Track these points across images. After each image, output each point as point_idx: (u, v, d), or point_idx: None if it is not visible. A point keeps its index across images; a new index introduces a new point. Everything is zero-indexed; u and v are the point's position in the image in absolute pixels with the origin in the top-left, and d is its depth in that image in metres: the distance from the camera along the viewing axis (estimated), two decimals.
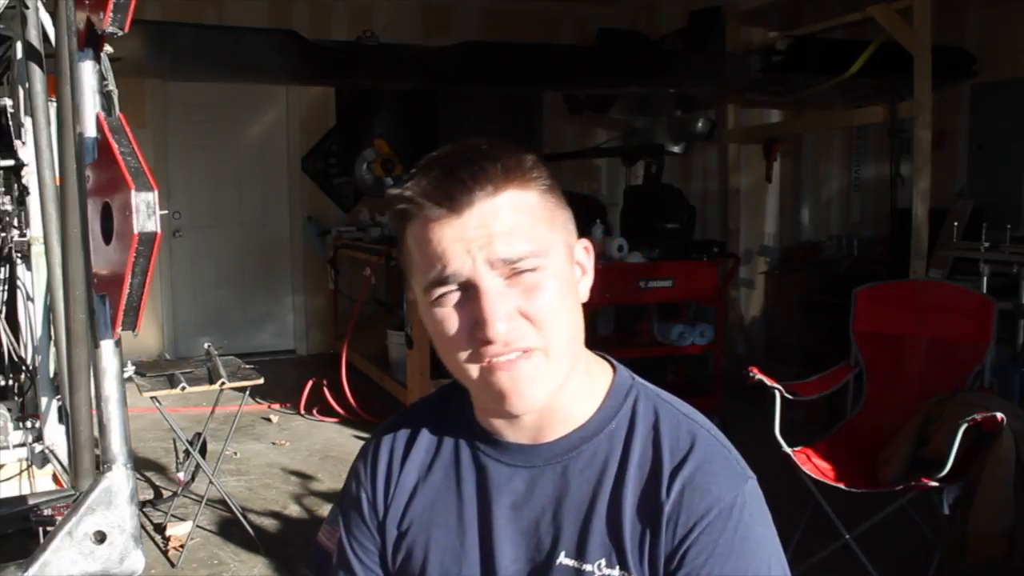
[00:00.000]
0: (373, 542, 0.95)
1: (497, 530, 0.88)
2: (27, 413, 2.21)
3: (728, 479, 0.83)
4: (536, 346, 0.80)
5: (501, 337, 0.78)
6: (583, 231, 0.90)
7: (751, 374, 2.68)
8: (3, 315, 2.28)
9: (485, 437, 0.91)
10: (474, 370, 0.81)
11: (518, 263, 0.79)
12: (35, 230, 2.12)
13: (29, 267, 2.20)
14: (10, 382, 2.35)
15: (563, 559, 0.85)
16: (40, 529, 1.35)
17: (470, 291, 0.79)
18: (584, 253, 0.88)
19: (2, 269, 2.29)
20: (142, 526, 1.50)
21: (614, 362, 0.94)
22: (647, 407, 0.89)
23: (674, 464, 0.84)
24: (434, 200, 0.79)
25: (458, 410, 0.94)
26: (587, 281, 0.88)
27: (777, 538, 0.85)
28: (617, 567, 0.83)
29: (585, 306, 0.87)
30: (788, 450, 2.60)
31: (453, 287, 0.79)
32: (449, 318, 0.80)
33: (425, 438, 0.95)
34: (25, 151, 2.04)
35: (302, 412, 4.64)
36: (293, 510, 3.37)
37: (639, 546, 0.83)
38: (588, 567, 0.84)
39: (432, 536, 0.91)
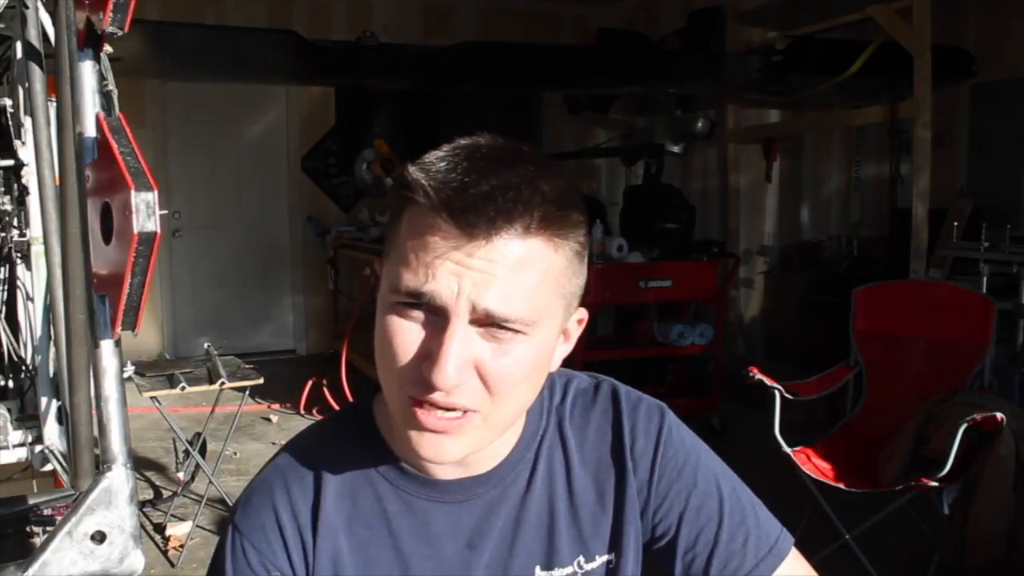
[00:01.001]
0: None
1: (455, 574, 0.79)
2: (27, 413, 2.21)
3: (653, 408, 0.85)
4: (478, 409, 0.70)
5: (448, 384, 0.67)
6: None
7: (751, 374, 2.68)
8: (3, 315, 2.28)
9: (415, 479, 0.79)
10: (403, 401, 0.70)
11: (503, 324, 0.67)
12: (35, 230, 2.12)
13: (29, 267, 2.20)
14: (10, 382, 2.35)
15: (539, 573, 0.81)
16: (40, 529, 1.35)
17: (439, 319, 0.67)
18: (576, 325, 0.78)
19: (2, 269, 2.29)
20: (142, 526, 1.50)
21: None
22: (558, 389, 0.85)
23: (615, 432, 0.83)
24: (449, 212, 0.66)
25: (366, 453, 0.80)
26: (564, 350, 0.78)
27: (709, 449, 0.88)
28: (597, 556, 0.82)
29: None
30: (788, 450, 2.60)
31: (422, 309, 0.68)
32: (402, 332, 0.69)
33: (331, 493, 0.78)
34: (25, 151, 2.04)
35: (302, 412, 4.64)
36: None
37: (606, 524, 0.82)
38: (567, 570, 0.81)
39: None
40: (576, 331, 0.78)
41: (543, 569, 0.81)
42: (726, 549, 0.81)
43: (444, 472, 0.78)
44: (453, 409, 0.69)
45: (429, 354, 0.67)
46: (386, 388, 0.73)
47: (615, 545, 0.82)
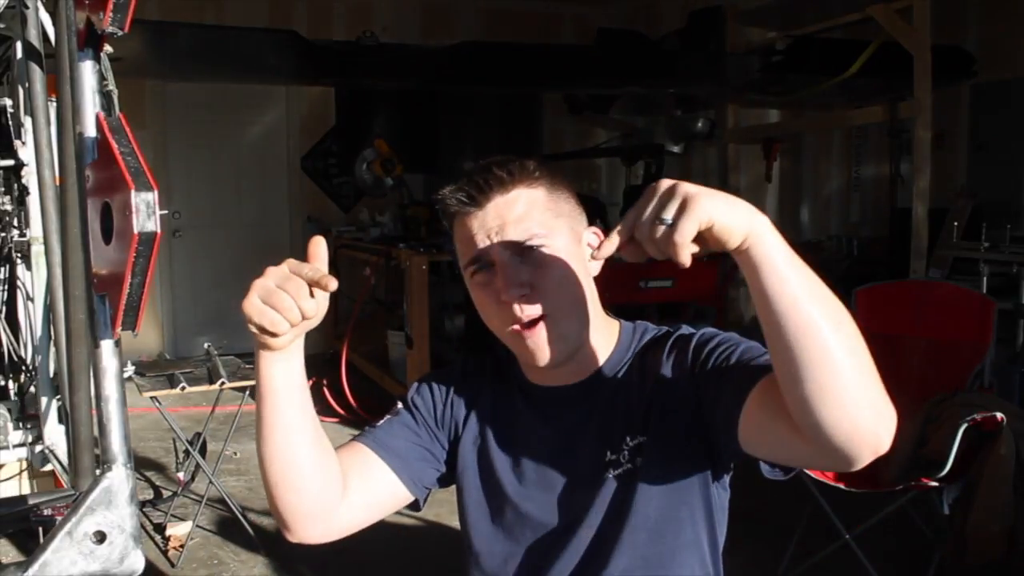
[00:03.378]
0: (431, 434, 1.14)
1: (561, 449, 1.07)
2: (27, 413, 2.21)
3: (690, 330, 1.08)
4: (548, 311, 1.00)
5: (513, 299, 0.99)
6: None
7: None
8: (3, 315, 2.29)
9: (531, 387, 1.10)
10: (505, 333, 1.03)
11: (526, 243, 0.99)
12: (35, 230, 2.12)
13: (29, 267, 2.20)
14: (10, 382, 2.35)
15: (609, 456, 1.04)
16: (40, 529, 1.35)
17: (492, 269, 1.01)
18: (594, 236, 1.08)
19: (2, 269, 2.29)
20: (142, 526, 1.50)
21: (621, 320, 1.15)
22: (646, 335, 1.11)
23: (668, 342, 1.07)
24: (463, 198, 1.01)
25: (507, 368, 1.14)
26: (596, 264, 1.06)
27: None
28: (639, 435, 1.02)
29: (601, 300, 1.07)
30: None
31: (481, 267, 1.02)
32: (481, 291, 1.03)
33: (490, 392, 1.14)
34: (25, 151, 2.04)
35: None
36: None
37: (652, 409, 1.02)
38: (621, 447, 1.03)
39: (500, 457, 1.10)
40: (597, 241, 1.07)
41: (612, 453, 1.04)
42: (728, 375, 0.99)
43: (553, 381, 1.08)
44: (533, 322, 1.00)
45: (497, 289, 1.00)
46: (499, 336, 1.05)
47: (657, 425, 1.02)
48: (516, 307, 0.99)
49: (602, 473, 1.04)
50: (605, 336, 1.10)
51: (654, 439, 1.02)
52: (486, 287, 1.02)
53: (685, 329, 1.09)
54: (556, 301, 1.00)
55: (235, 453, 3.96)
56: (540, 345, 1.00)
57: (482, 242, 1.00)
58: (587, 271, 1.06)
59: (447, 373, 1.19)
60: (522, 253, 1.00)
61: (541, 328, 1.00)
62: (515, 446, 1.11)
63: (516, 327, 1.00)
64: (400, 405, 1.18)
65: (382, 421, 1.16)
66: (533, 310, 0.99)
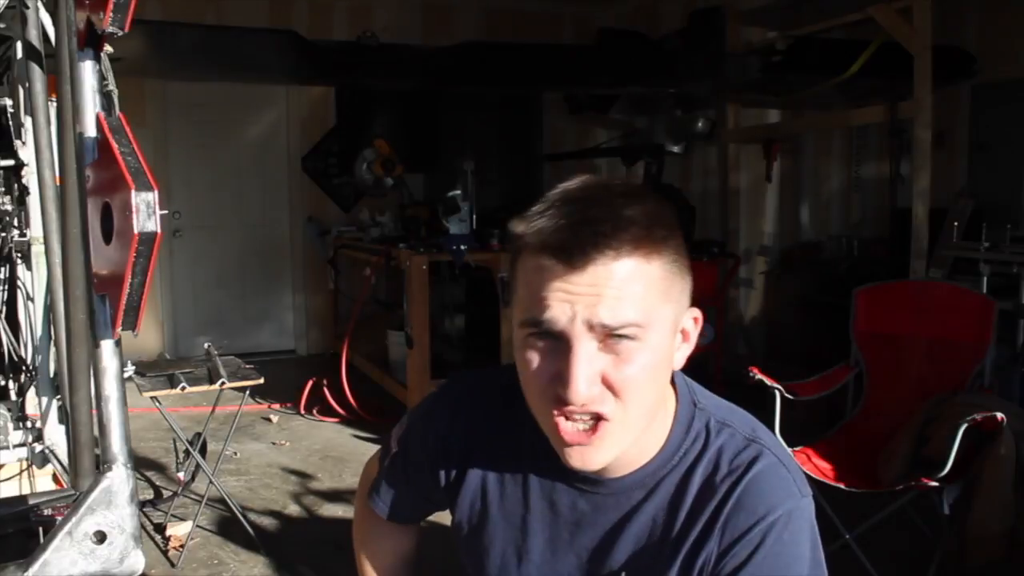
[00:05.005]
0: (423, 483, 1.03)
1: (559, 542, 0.94)
2: (27, 413, 2.21)
3: (779, 496, 0.86)
4: (610, 416, 0.80)
5: (580, 400, 0.78)
6: None
7: (751, 374, 2.69)
8: (3, 315, 2.28)
9: (556, 460, 0.87)
10: (546, 417, 0.82)
11: (617, 331, 0.78)
12: (35, 230, 2.12)
13: (29, 267, 2.20)
14: (10, 382, 2.35)
15: None
16: (40, 529, 1.35)
17: (561, 343, 0.79)
18: (692, 324, 0.88)
19: (2, 269, 2.29)
20: (142, 526, 1.50)
21: (676, 382, 0.93)
22: (711, 434, 0.91)
23: (731, 483, 0.87)
24: (550, 251, 0.78)
25: (532, 425, 0.89)
26: (686, 350, 0.88)
27: (821, 560, 0.87)
28: None
29: None
30: (788, 450, 2.59)
31: (546, 333, 0.79)
32: (535, 360, 0.81)
33: (501, 435, 0.97)
34: (25, 151, 2.04)
35: (302, 412, 4.64)
36: (293, 510, 3.37)
37: (689, 560, 0.87)
38: None
39: (499, 526, 0.97)
40: (694, 330, 0.88)
41: (628, 575, 0.90)
42: None
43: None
44: (589, 417, 0.80)
45: (560, 375, 0.78)
46: (533, 408, 0.85)
47: None
48: (576, 406, 0.79)
49: None
50: (659, 423, 0.90)
51: None
52: (541, 355, 0.80)
53: (767, 477, 0.87)
54: (625, 408, 0.80)
55: (235, 453, 3.96)
56: (583, 451, 0.82)
57: (560, 308, 0.77)
58: (670, 369, 0.87)
59: (434, 420, 1.03)
60: (606, 339, 0.78)
61: (596, 435, 0.81)
62: (518, 523, 0.96)
63: (559, 421, 0.81)
64: (392, 462, 1.09)
65: (384, 488, 1.11)
66: (595, 408, 0.80)
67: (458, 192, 4.36)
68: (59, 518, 0.98)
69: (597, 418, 0.80)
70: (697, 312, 0.87)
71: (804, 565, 0.84)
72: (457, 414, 1.00)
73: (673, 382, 0.93)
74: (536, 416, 0.85)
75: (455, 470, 0.99)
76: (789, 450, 0.93)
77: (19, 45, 1.86)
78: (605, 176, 0.87)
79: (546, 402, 0.81)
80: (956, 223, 4.05)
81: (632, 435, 0.84)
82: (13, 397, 2.30)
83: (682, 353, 0.87)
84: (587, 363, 0.77)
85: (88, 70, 0.94)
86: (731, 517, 0.85)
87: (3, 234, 2.21)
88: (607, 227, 0.76)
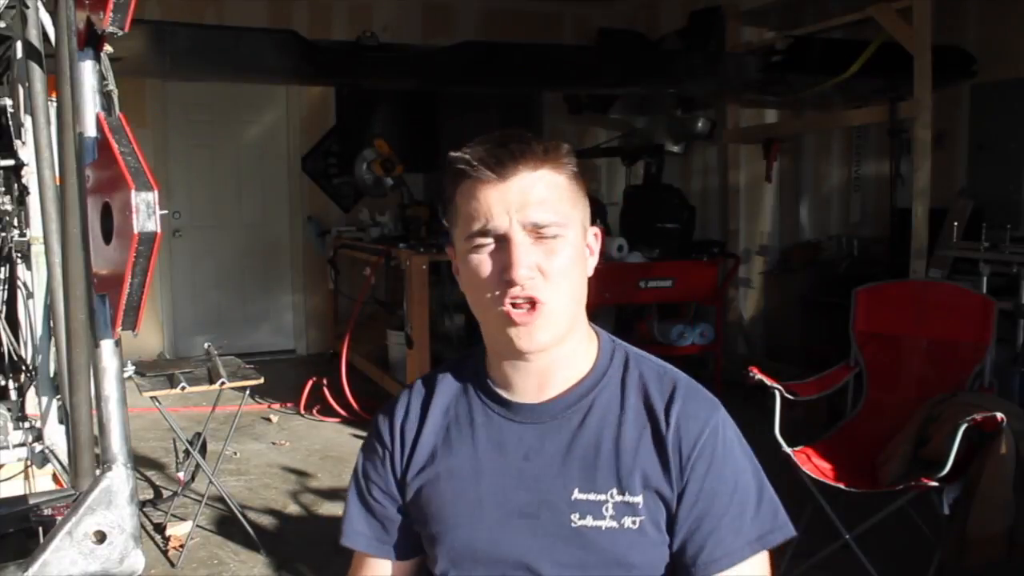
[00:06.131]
0: (387, 490, 1.10)
1: (511, 478, 1.03)
2: (27, 413, 2.21)
3: (708, 407, 1.04)
4: (545, 299, 0.98)
5: (522, 280, 0.96)
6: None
7: (751, 374, 2.68)
8: (3, 315, 2.28)
9: (497, 399, 1.07)
10: (496, 310, 0.99)
11: (544, 228, 0.98)
12: (35, 230, 2.12)
13: (29, 267, 2.20)
14: (10, 382, 2.35)
15: (577, 495, 1.00)
16: (40, 529, 1.35)
17: (503, 243, 0.98)
18: (594, 238, 1.07)
19: (2, 269, 2.29)
20: (142, 526, 1.50)
21: (596, 328, 1.12)
22: (630, 362, 1.08)
23: (665, 403, 1.03)
24: (487, 165, 0.98)
25: (472, 376, 1.10)
26: (593, 261, 1.07)
27: (750, 451, 1.06)
28: (627, 493, 0.99)
29: (586, 306, 1.04)
30: (788, 450, 2.60)
31: (490, 239, 0.98)
32: (484, 263, 0.99)
33: (441, 401, 1.10)
34: (25, 151, 2.04)
35: (302, 412, 4.64)
36: (293, 510, 3.37)
37: (644, 476, 1.00)
38: (602, 496, 1.00)
39: (451, 487, 1.05)
40: (596, 244, 1.07)
41: (581, 492, 1.00)
42: (715, 539, 1.00)
43: (523, 395, 1.05)
44: (530, 302, 0.97)
45: (505, 265, 0.97)
46: (483, 312, 1.02)
47: (647, 494, 1.00)
48: (518, 287, 0.96)
49: (574, 513, 1.00)
50: (586, 346, 1.07)
51: (646, 507, 1.00)
52: (486, 260, 0.99)
53: (691, 398, 1.04)
54: (557, 290, 0.98)
55: (235, 453, 3.96)
56: (529, 330, 0.98)
57: (499, 216, 0.97)
58: (585, 271, 1.04)
59: (390, 414, 1.13)
60: (537, 236, 0.98)
61: (536, 313, 0.98)
62: (469, 471, 1.05)
63: (507, 307, 0.98)
64: (355, 479, 1.14)
65: (350, 510, 1.13)
66: (533, 293, 0.97)
67: None
68: (59, 518, 0.98)
69: (533, 303, 0.97)
70: (597, 229, 1.08)
71: (743, 455, 1.04)
72: (397, 408, 1.12)
73: (595, 329, 1.11)
74: (485, 314, 1.01)
75: (407, 453, 1.09)
76: None
77: (19, 45, 1.86)
78: None
79: (495, 294, 0.98)
80: (956, 223, 4.05)
81: (562, 321, 1.00)
82: (13, 397, 2.30)
83: (591, 262, 1.06)
84: (525, 252, 0.97)
85: (88, 70, 0.94)
86: (681, 427, 1.01)
87: (3, 234, 2.21)
88: (523, 146, 0.99)
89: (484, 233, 0.98)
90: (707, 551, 0.99)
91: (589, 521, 0.99)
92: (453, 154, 1.01)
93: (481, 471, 1.04)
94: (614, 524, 0.99)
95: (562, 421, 1.03)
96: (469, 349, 1.13)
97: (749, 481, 1.03)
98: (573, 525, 0.99)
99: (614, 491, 0.99)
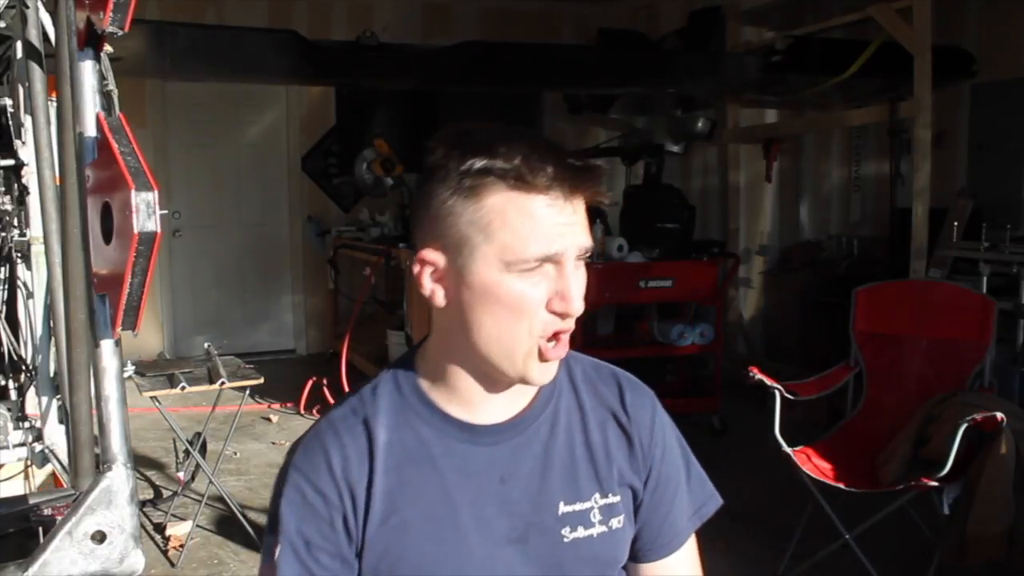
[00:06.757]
0: (339, 555, 0.91)
1: (490, 506, 0.93)
2: (27, 413, 2.21)
3: (647, 393, 1.04)
4: (571, 329, 0.91)
5: (580, 311, 0.88)
6: None
7: (751, 374, 2.68)
8: (3, 315, 2.28)
9: (456, 424, 0.94)
10: (532, 338, 0.88)
11: (585, 254, 0.89)
12: (35, 230, 2.11)
13: (29, 267, 2.20)
14: (10, 382, 2.35)
15: (563, 508, 0.94)
16: (40, 529, 1.35)
17: (551, 269, 0.87)
18: None
19: (2, 269, 2.29)
20: (142, 526, 1.50)
21: None
22: (569, 361, 1.02)
23: (617, 396, 1.01)
24: (554, 179, 0.84)
25: (409, 403, 0.95)
26: None
27: (675, 425, 1.07)
28: (609, 495, 0.97)
29: (585, 306, 0.94)
30: (788, 450, 2.60)
31: (546, 263, 0.86)
32: (529, 291, 0.86)
33: (382, 436, 0.92)
34: (25, 151, 2.04)
35: (302, 412, 4.64)
36: None
37: (620, 473, 0.98)
38: (587, 503, 0.95)
39: (426, 532, 0.91)
40: None
41: (566, 504, 0.95)
42: (670, 521, 1.02)
43: (480, 418, 0.94)
44: (561, 336, 0.89)
45: (561, 294, 0.87)
46: (510, 341, 0.88)
47: (622, 490, 0.98)
48: (570, 320, 0.88)
49: (564, 528, 0.94)
50: None
51: (623, 503, 0.98)
52: (532, 288, 0.86)
53: (634, 386, 1.03)
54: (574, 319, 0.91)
55: (235, 453, 3.96)
56: (556, 365, 0.92)
57: (559, 240, 0.85)
58: None
59: (324, 461, 0.92)
60: (577, 262, 0.89)
61: (562, 346, 0.91)
62: (442, 510, 0.92)
63: (543, 342, 0.88)
64: (287, 548, 0.92)
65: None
66: (573, 325, 0.90)
67: None
68: (59, 518, 0.98)
69: (562, 335, 0.90)
70: None
71: (674, 433, 1.05)
72: (330, 453, 0.92)
73: None
74: (511, 350, 0.88)
75: (361, 506, 0.91)
76: None
77: (19, 45, 1.86)
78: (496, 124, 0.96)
79: (533, 324, 0.87)
80: (956, 223, 4.05)
81: None
82: (13, 397, 2.30)
83: None
84: (579, 282, 0.88)
85: (88, 70, 0.94)
86: (636, 417, 1.00)
87: (3, 234, 2.21)
88: (589, 169, 0.87)
89: (547, 258, 0.86)
90: (665, 533, 1.01)
91: (580, 532, 0.95)
92: (497, 163, 0.85)
93: (455, 506, 0.92)
94: (604, 528, 0.96)
95: (531, 435, 0.96)
96: (386, 370, 0.99)
97: (681, 457, 1.04)
98: (566, 540, 0.94)
99: (597, 495, 0.96)
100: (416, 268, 0.91)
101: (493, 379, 0.93)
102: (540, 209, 0.85)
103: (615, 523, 0.97)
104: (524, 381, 0.92)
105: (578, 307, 0.87)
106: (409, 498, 0.91)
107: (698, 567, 1.06)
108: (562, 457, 0.96)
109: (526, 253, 0.85)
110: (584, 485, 0.96)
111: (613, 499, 0.97)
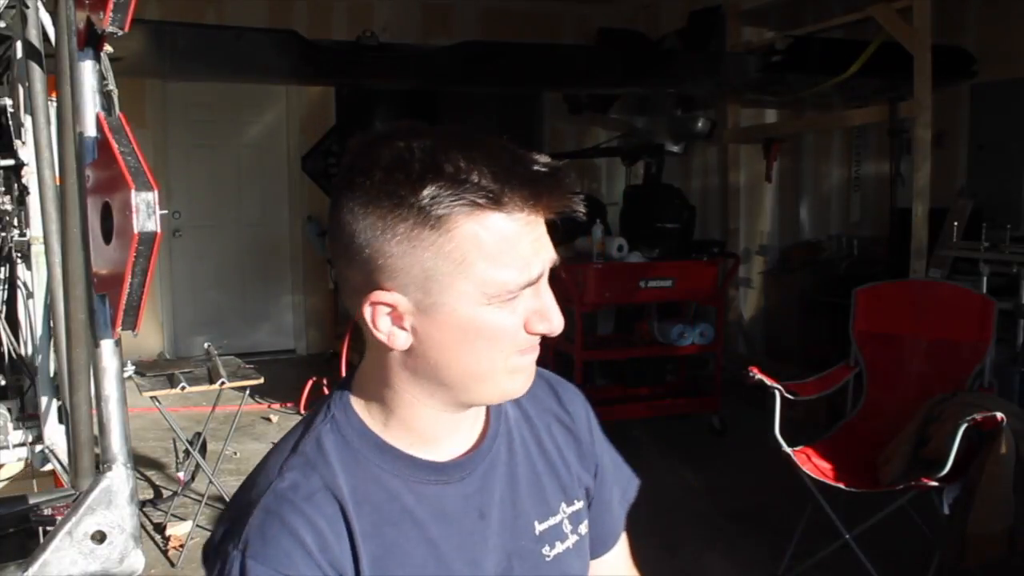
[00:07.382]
0: None
1: (476, 546, 0.86)
2: (27, 413, 2.21)
3: (575, 388, 1.02)
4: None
5: (562, 326, 0.82)
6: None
7: (751, 374, 2.68)
8: (3, 315, 2.28)
9: (420, 466, 0.84)
10: (513, 362, 0.81)
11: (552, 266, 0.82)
12: (35, 230, 2.11)
13: (29, 267, 2.20)
14: (10, 382, 2.35)
15: (539, 526, 0.90)
16: (40, 529, 1.35)
17: (532, 289, 0.79)
18: None
19: (2, 269, 2.29)
20: (142, 526, 1.50)
21: None
22: None
23: (554, 396, 0.99)
24: (525, 202, 0.75)
25: (366, 458, 0.82)
26: None
27: None
28: (574, 501, 0.94)
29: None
30: (788, 450, 2.60)
31: (526, 288, 0.79)
32: (513, 315, 0.78)
33: (351, 499, 0.79)
34: (25, 151, 2.04)
35: (302, 412, 4.64)
36: None
37: (578, 477, 0.96)
38: (558, 516, 0.92)
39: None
40: None
41: (540, 522, 0.90)
42: (610, 513, 1.02)
43: (443, 454, 0.86)
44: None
45: (541, 314, 0.80)
46: (489, 367, 0.80)
47: (581, 492, 0.97)
48: (540, 337, 0.83)
49: (544, 547, 0.91)
50: None
51: (585, 506, 0.97)
52: (510, 313, 0.79)
53: (563, 384, 1.01)
54: None
55: (235, 453, 3.96)
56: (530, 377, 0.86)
57: (538, 260, 0.78)
58: None
59: (298, 545, 0.75)
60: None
61: (536, 347, 0.86)
62: (433, 566, 0.82)
63: (520, 359, 0.82)
64: None
65: None
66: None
67: None
68: (59, 518, 0.98)
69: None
70: None
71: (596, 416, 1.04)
72: (301, 534, 0.76)
73: None
74: (484, 377, 0.81)
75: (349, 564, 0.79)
76: None
77: (19, 45, 1.86)
78: (423, 126, 0.90)
79: (510, 351, 0.80)
80: (956, 223, 4.05)
81: None
82: (13, 397, 2.30)
83: None
84: (551, 296, 0.81)
85: (88, 70, 0.94)
86: (575, 415, 0.99)
87: (3, 234, 2.21)
88: (556, 179, 0.77)
89: (528, 285, 0.78)
90: (608, 526, 1.02)
91: (559, 547, 0.91)
92: (462, 185, 0.74)
93: (444, 559, 0.83)
94: (576, 537, 0.93)
95: (494, 458, 0.89)
96: (320, 417, 0.85)
97: (607, 443, 1.04)
98: (548, 560, 0.90)
99: (563, 504, 0.93)
100: (367, 313, 0.78)
101: (462, 409, 0.86)
102: (516, 231, 0.76)
103: (583, 528, 0.95)
104: (504, 398, 0.87)
105: (559, 325, 0.81)
106: (397, 562, 0.80)
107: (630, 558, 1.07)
108: (526, 474, 0.91)
109: (511, 284, 0.76)
110: (551, 497, 0.92)
111: (577, 504, 0.95)
